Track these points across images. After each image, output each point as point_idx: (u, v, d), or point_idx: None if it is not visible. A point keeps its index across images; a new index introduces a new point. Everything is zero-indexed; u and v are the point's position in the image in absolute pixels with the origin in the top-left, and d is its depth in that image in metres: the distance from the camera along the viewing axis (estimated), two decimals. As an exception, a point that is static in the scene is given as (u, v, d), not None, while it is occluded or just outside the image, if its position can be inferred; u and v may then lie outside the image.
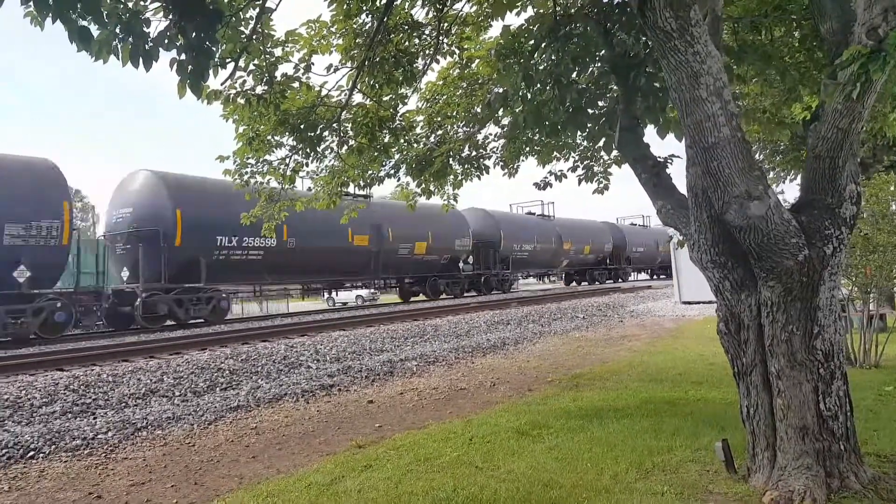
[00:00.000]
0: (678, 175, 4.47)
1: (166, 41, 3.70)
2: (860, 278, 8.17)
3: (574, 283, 42.36)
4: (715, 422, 5.45)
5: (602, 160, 7.18)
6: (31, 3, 3.17)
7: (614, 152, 5.72)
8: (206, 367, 9.54)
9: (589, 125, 5.55)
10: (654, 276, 49.02)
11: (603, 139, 5.61)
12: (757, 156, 15.24)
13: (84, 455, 5.74)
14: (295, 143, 6.82)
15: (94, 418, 6.92)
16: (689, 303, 19.89)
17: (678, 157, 4.95)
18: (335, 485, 4.46)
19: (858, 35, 3.26)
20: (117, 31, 3.55)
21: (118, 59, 3.62)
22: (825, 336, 3.78)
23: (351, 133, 7.11)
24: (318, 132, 6.63)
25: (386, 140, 7.16)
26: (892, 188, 8.21)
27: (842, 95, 3.22)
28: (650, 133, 5.38)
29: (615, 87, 5.34)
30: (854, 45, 3.02)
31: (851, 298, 8.53)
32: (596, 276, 41.88)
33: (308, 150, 6.79)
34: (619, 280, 43.35)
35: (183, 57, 3.81)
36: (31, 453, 5.75)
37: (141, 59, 3.62)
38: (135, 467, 5.36)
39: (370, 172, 7.72)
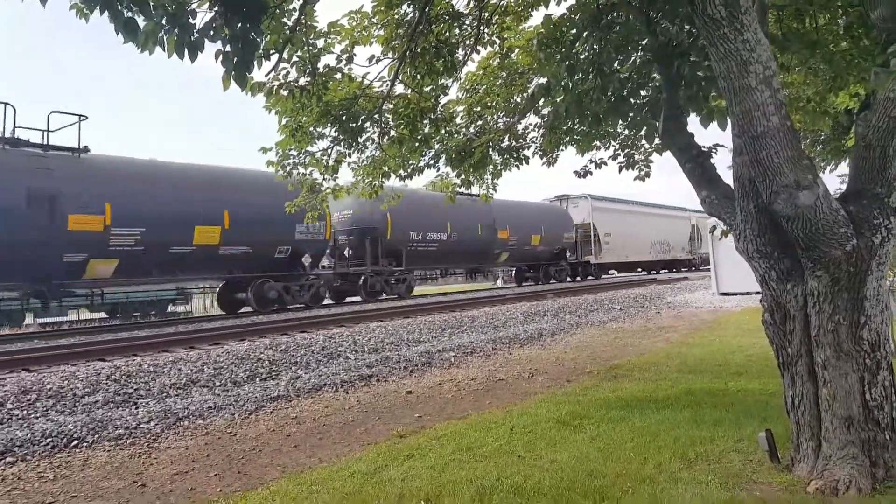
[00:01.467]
0: (721, 165, 4.44)
1: (212, 32, 3.75)
2: (903, 269, 8.01)
3: (554, 281, 33.50)
4: (756, 412, 5.42)
5: (643, 148, 7.15)
6: None
7: (656, 141, 5.68)
8: (245, 358, 9.67)
9: (631, 114, 5.52)
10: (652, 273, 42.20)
11: (645, 128, 5.57)
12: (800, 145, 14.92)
13: (127, 444, 5.82)
14: (337, 135, 6.90)
15: (136, 408, 7.03)
16: (727, 294, 19.63)
17: (723, 146, 4.92)
18: (378, 473, 4.50)
19: (912, 21, 3.21)
20: (163, 22, 3.60)
21: (164, 50, 3.67)
22: (871, 326, 3.74)
23: (392, 124, 7.18)
24: (359, 123, 6.70)
25: (426, 130, 7.21)
26: None
27: (894, 83, 3.18)
28: (692, 122, 5.37)
29: (658, 77, 5.30)
30: (908, 32, 2.98)
31: (892, 289, 8.36)
32: (552, 273, 33.50)
33: (350, 140, 6.87)
34: (590, 277, 35.90)
35: (228, 48, 3.84)
36: (75, 442, 5.82)
37: (186, 51, 3.67)
38: (178, 456, 5.41)
39: (411, 163, 7.78)
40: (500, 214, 29.18)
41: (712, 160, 4.78)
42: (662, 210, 46.96)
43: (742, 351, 9.04)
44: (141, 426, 6.30)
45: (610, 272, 42.13)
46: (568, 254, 34.82)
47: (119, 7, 3.40)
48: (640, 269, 44.33)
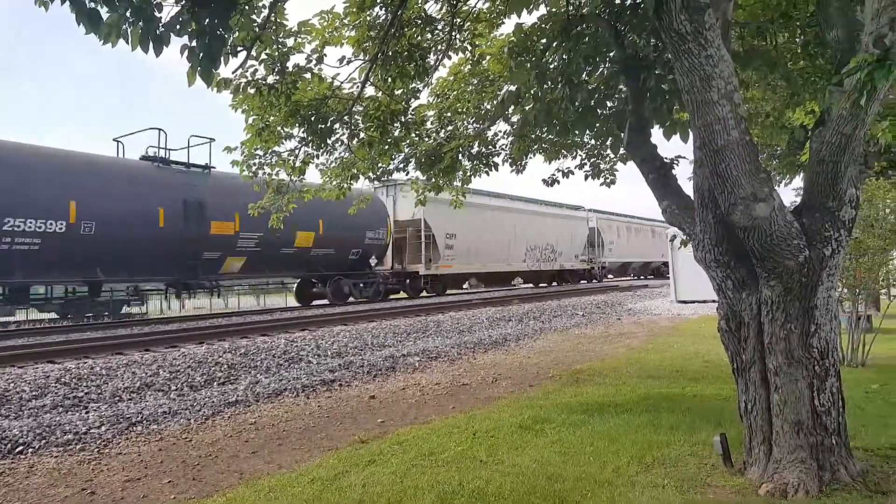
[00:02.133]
0: (682, 176, 4.57)
1: (178, 27, 3.68)
2: (850, 280, 8.33)
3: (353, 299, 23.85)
4: (711, 417, 5.57)
5: (608, 158, 7.29)
6: None
7: (621, 151, 5.80)
8: (203, 361, 9.46)
9: (598, 124, 5.64)
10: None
11: (611, 138, 5.69)
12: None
13: (76, 450, 5.60)
14: (305, 135, 6.85)
15: (87, 412, 6.79)
16: (685, 302, 20.05)
17: (685, 158, 5.05)
18: (339, 479, 4.45)
19: (865, 44, 3.35)
20: (127, 14, 3.50)
21: (127, 43, 3.57)
22: (821, 334, 3.89)
23: (362, 126, 7.16)
24: (328, 124, 6.67)
25: (397, 134, 7.22)
26: (882, 193, 8.35)
27: (848, 102, 3.32)
28: (656, 134, 5.50)
29: (624, 88, 5.42)
30: (861, 54, 3.11)
31: (840, 299, 8.68)
32: (346, 289, 23.35)
33: (318, 142, 6.83)
34: (424, 294, 27.08)
35: (195, 43, 3.76)
36: (20, 448, 5.57)
37: (151, 44, 3.57)
38: (130, 463, 5.25)
39: (380, 166, 7.77)
40: (220, 192, 18.91)
41: (674, 171, 4.91)
42: (546, 208, 37.06)
43: (699, 357, 9.26)
44: (91, 431, 6.07)
45: (465, 286, 33.39)
46: (374, 261, 25.17)
47: (83, -1, 3.32)
48: (514, 282, 35.85)
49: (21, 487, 4.72)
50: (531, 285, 36.22)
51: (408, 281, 27.04)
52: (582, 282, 38.97)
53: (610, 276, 44.50)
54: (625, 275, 46.74)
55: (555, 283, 37.21)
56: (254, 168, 7.16)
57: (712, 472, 4.21)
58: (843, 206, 3.91)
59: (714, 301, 4.49)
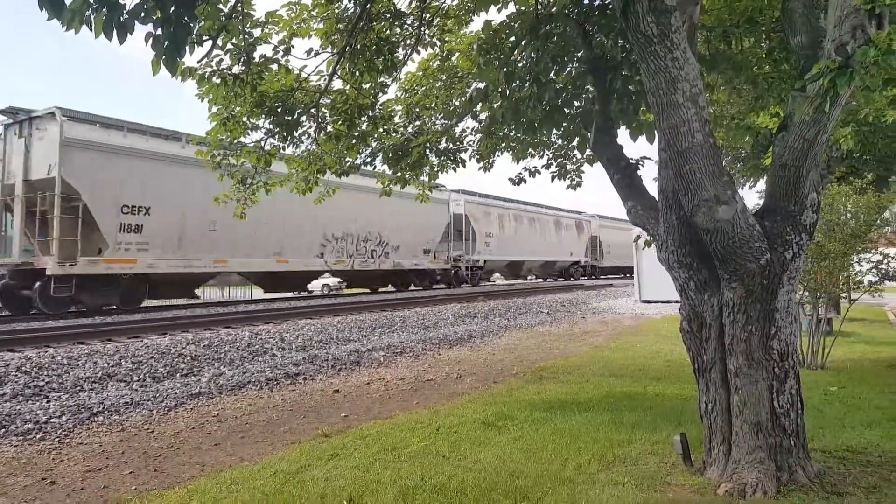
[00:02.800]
0: (647, 177, 4.61)
1: (142, 14, 3.62)
2: (811, 283, 8.51)
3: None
4: (672, 416, 5.64)
5: (575, 158, 7.33)
6: None
7: (588, 151, 5.82)
8: (166, 353, 9.40)
9: (565, 124, 5.65)
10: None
11: (577, 138, 5.71)
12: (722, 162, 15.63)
13: (36, 440, 5.56)
14: (271, 127, 6.76)
15: (48, 402, 6.75)
16: (649, 301, 20.34)
17: (650, 159, 5.09)
18: (301, 473, 4.45)
19: (828, 50, 3.40)
20: (91, 0, 3.46)
21: (90, 29, 3.51)
22: (781, 337, 3.95)
23: (329, 119, 7.09)
24: (295, 116, 6.59)
25: (364, 128, 7.16)
26: (843, 198, 8.54)
27: (811, 108, 3.37)
28: (622, 134, 5.55)
29: (592, 88, 5.44)
30: (823, 60, 3.16)
31: (802, 302, 8.87)
32: None
33: (284, 133, 6.74)
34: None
35: (159, 31, 3.71)
36: None
37: (115, 31, 3.52)
38: (90, 453, 5.22)
39: (347, 160, 7.70)
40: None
41: (639, 172, 4.94)
42: (373, 183, 19.60)
43: (661, 356, 9.39)
44: (52, 421, 6.04)
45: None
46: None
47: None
48: (300, 290, 25.78)
49: None
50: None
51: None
52: (437, 287, 30.33)
53: (495, 279, 39.68)
54: (517, 277, 40.20)
55: (391, 288, 29.48)
56: (218, 158, 7.04)
57: (672, 471, 4.26)
58: (804, 210, 3.97)
59: (677, 301, 4.53)
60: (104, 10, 3.49)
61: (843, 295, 9.52)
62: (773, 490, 3.76)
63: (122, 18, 3.52)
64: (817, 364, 8.23)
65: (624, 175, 4.83)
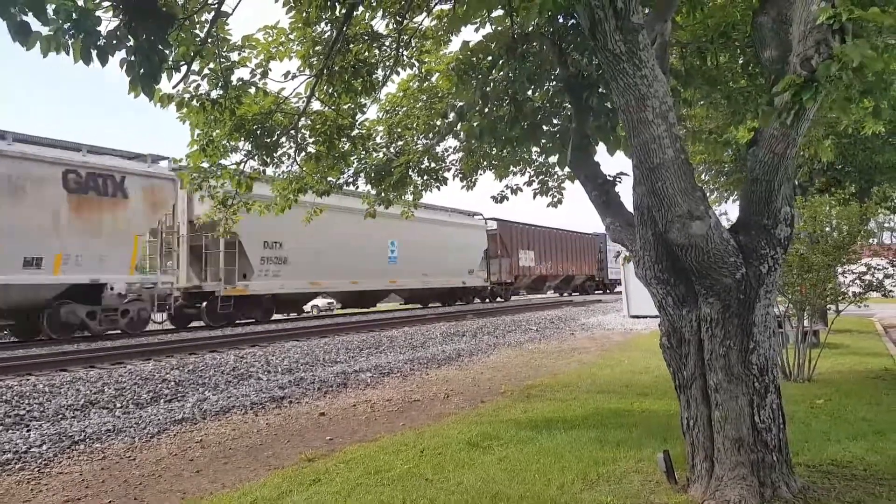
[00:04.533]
0: (625, 193, 4.62)
1: (115, 41, 3.65)
2: (796, 296, 8.52)
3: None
4: (658, 433, 5.61)
5: (556, 175, 7.36)
6: None
7: (567, 168, 5.84)
8: (149, 378, 9.31)
9: (543, 141, 5.67)
10: None
11: (556, 155, 5.72)
12: (703, 176, 15.73)
13: (15, 469, 5.49)
14: (251, 149, 6.75)
15: (28, 431, 6.66)
16: (637, 317, 20.34)
17: (627, 175, 5.10)
18: (282, 499, 4.40)
19: (793, 65, 3.43)
20: (66, 27, 3.48)
21: (68, 55, 3.54)
22: (760, 351, 3.93)
23: (310, 140, 7.09)
24: (275, 138, 6.59)
25: (345, 148, 7.16)
26: (827, 209, 8.58)
27: (777, 121, 3.39)
28: (601, 151, 5.58)
29: (568, 106, 5.47)
30: (789, 75, 3.19)
31: (788, 315, 8.88)
32: None
33: (265, 155, 6.74)
34: None
35: (133, 58, 3.75)
36: None
37: (94, 55, 3.57)
38: (70, 482, 5.15)
39: (329, 179, 7.70)
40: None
41: (616, 189, 4.95)
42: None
43: (649, 372, 9.36)
44: (32, 450, 5.97)
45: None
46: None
47: (13, 10, 3.25)
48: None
49: None
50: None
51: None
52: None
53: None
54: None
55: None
56: (198, 181, 7.03)
57: (656, 489, 4.22)
58: (778, 223, 3.98)
59: (662, 317, 4.52)
60: (81, 36, 3.53)
61: (830, 306, 9.51)
62: (756, 506, 3.73)
63: (99, 44, 3.56)
64: (804, 377, 8.22)
65: (601, 192, 4.84)
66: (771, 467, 3.86)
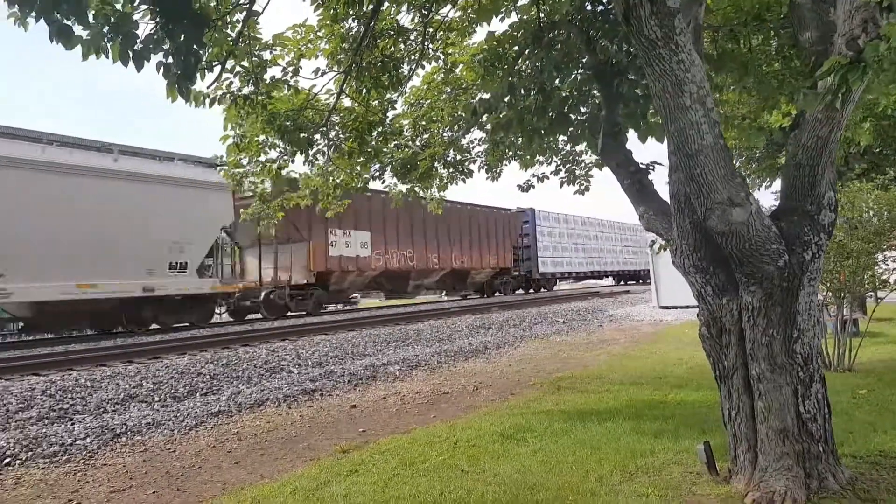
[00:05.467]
0: (658, 182, 4.56)
1: (152, 45, 3.69)
2: (834, 284, 8.34)
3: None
4: (696, 424, 5.54)
5: (583, 164, 7.29)
6: (17, 3, 3.15)
7: (595, 155, 5.77)
8: (185, 372, 9.49)
9: (571, 130, 5.61)
10: None
11: (585, 144, 5.66)
12: (734, 163, 15.47)
13: (62, 461, 5.64)
14: (284, 146, 6.80)
15: (72, 424, 6.82)
16: (667, 307, 20.09)
17: (660, 164, 5.03)
18: (321, 489, 4.44)
19: (838, 46, 3.33)
20: (105, 31, 3.54)
21: (108, 57, 3.59)
22: (804, 340, 3.86)
23: (341, 136, 7.12)
24: (308, 134, 6.62)
25: (376, 143, 7.17)
26: (865, 195, 8.37)
27: (822, 105, 3.30)
28: (633, 139, 5.48)
29: (597, 94, 5.40)
30: (834, 56, 3.10)
31: (826, 304, 8.70)
32: None
33: (297, 152, 6.77)
34: None
35: (170, 60, 3.79)
36: (7, 460, 5.63)
37: (132, 59, 3.61)
38: (114, 474, 5.28)
39: (364, 175, 7.73)
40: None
41: (650, 177, 4.88)
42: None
43: (682, 363, 9.24)
44: (77, 443, 6.12)
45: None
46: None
47: (56, 15, 3.31)
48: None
49: (9, 499, 4.77)
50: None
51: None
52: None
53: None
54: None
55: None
56: (238, 177, 7.11)
57: (697, 481, 4.16)
58: (822, 209, 3.89)
59: (696, 306, 4.45)
60: (119, 39, 3.58)
61: (869, 295, 9.28)
62: (802, 498, 3.65)
63: (136, 48, 3.60)
64: (844, 366, 8.05)
65: (634, 180, 4.77)
66: (817, 458, 3.79)
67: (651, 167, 5.01)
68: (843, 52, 3.19)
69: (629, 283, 46.02)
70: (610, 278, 46.03)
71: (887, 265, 8.35)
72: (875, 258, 8.25)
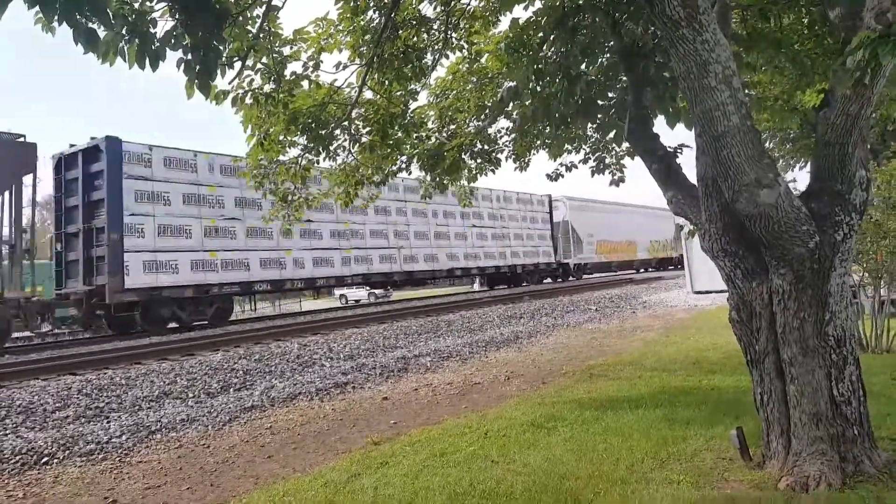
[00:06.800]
0: (687, 166, 4.48)
1: (173, 41, 3.72)
2: (871, 264, 8.14)
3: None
4: (729, 409, 5.46)
5: (614, 152, 7.19)
6: (39, 6, 3.20)
7: (625, 143, 5.70)
8: (219, 368, 9.65)
9: (599, 116, 5.55)
10: None
11: (614, 130, 5.59)
12: (767, 144, 15.15)
13: (98, 459, 5.76)
14: (306, 143, 6.83)
15: (108, 422, 6.97)
16: (701, 292, 19.81)
17: (688, 146, 4.95)
18: (352, 482, 4.48)
19: (867, 20, 3.24)
20: (123, 32, 3.57)
21: (125, 60, 3.64)
22: (836, 322, 3.77)
23: (363, 130, 7.13)
24: (329, 130, 6.65)
25: (398, 136, 7.17)
26: None
27: (852, 81, 3.21)
28: (660, 123, 5.45)
29: (624, 78, 5.32)
30: (863, 31, 3.01)
31: (863, 284, 8.50)
32: None
33: (320, 148, 6.80)
34: None
35: (190, 57, 3.82)
36: (46, 459, 5.76)
37: (147, 60, 3.66)
38: (150, 470, 5.39)
39: (385, 169, 7.74)
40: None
41: (677, 160, 4.81)
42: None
43: (716, 348, 9.12)
44: (113, 440, 6.23)
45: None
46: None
47: (79, 18, 3.35)
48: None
49: (48, 497, 4.88)
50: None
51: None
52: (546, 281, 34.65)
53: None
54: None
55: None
56: (259, 178, 7.17)
57: (730, 467, 4.11)
58: (853, 188, 3.80)
59: (728, 291, 4.37)
60: (136, 40, 3.63)
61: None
62: (838, 482, 3.58)
63: (153, 47, 3.65)
64: (882, 348, 7.88)
65: (661, 164, 4.71)
66: (852, 441, 3.71)
67: (679, 150, 4.94)
68: (873, 26, 3.10)
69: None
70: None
71: None
72: None
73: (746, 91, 6.51)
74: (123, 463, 5.64)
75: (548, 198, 35.88)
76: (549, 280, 35.53)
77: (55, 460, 5.73)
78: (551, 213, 35.76)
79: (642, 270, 45.00)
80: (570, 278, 35.72)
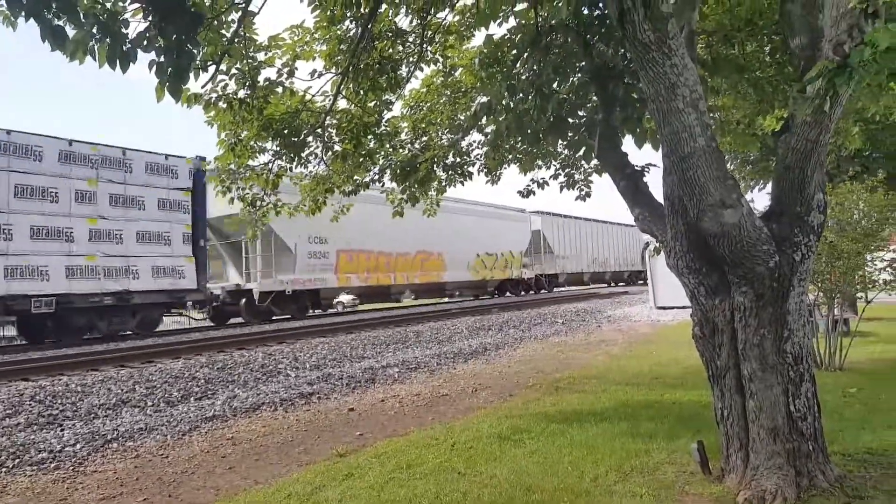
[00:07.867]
0: (654, 184, 4.59)
1: (145, 42, 3.69)
2: (826, 284, 8.41)
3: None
4: (691, 423, 5.58)
5: (583, 168, 7.32)
6: (4, 2, 3.15)
7: (594, 161, 5.81)
8: (179, 376, 9.46)
9: (570, 134, 5.65)
10: None
11: (583, 148, 5.70)
12: (728, 166, 15.54)
13: (51, 469, 5.57)
14: (278, 149, 6.81)
15: (62, 430, 6.78)
16: (664, 308, 20.16)
17: (655, 165, 5.07)
18: (315, 494, 4.43)
19: (826, 51, 3.39)
20: (94, 31, 3.53)
21: (94, 59, 3.59)
22: (794, 340, 3.90)
23: (336, 139, 7.13)
24: (301, 137, 6.64)
25: (371, 146, 7.19)
26: (854, 197, 8.45)
27: (811, 108, 3.35)
28: (628, 142, 5.56)
29: (595, 98, 5.44)
30: (822, 61, 3.15)
31: (817, 303, 8.76)
32: None
33: (292, 155, 6.78)
34: None
35: (162, 59, 3.78)
36: None
37: (118, 61, 3.60)
38: (105, 481, 5.23)
39: (356, 178, 7.74)
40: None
41: (645, 179, 4.93)
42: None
43: (678, 363, 9.29)
44: (66, 449, 6.05)
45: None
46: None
47: (47, 15, 3.30)
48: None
49: None
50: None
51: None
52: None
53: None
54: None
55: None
56: (227, 183, 7.10)
57: (690, 480, 4.20)
58: (811, 211, 3.94)
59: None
60: (107, 40, 3.58)
61: (860, 295, 9.35)
62: (793, 496, 3.70)
63: (124, 48, 3.61)
64: (835, 366, 8.12)
65: (629, 182, 4.82)
66: (807, 456, 3.83)
67: (646, 169, 5.06)
68: (831, 56, 3.24)
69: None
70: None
71: (876, 266, 8.42)
72: (864, 259, 8.33)
73: (711, 114, 6.73)
74: (77, 472, 5.47)
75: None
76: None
77: (3, 469, 5.54)
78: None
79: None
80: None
